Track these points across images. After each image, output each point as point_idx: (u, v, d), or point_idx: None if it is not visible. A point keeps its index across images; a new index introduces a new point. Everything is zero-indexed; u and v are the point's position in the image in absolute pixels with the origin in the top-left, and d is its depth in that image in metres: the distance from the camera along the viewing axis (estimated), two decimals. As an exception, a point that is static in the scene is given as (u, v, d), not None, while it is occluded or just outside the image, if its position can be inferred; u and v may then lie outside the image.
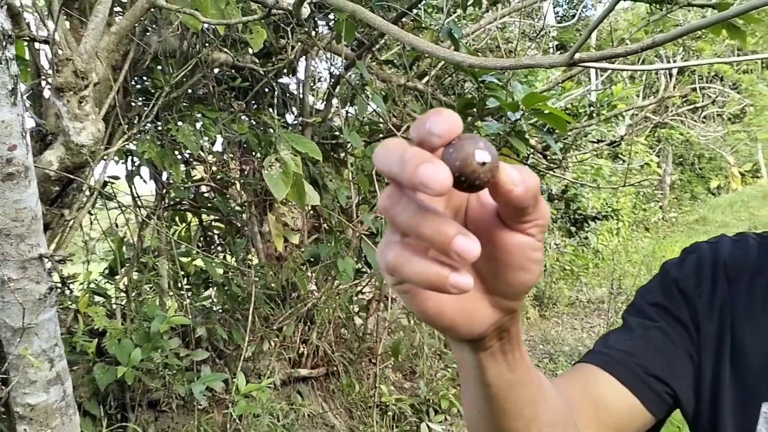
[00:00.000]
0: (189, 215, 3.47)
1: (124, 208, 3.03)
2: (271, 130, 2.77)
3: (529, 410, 0.56)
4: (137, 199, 3.06)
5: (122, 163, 3.12)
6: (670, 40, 1.27)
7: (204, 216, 3.49)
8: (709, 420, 0.79)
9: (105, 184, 2.80)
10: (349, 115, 3.95)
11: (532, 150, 4.24)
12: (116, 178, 2.88)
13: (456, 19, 4.21)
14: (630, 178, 7.39)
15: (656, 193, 13.74)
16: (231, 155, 3.27)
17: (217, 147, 3.41)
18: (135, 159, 3.05)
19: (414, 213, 0.38)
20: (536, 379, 0.57)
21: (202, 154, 3.15)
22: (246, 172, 3.18)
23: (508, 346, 0.50)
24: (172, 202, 3.09)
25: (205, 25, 2.36)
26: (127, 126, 2.45)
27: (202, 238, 3.54)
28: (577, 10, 11.23)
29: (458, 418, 4.43)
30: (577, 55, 1.28)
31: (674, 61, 6.30)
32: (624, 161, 7.43)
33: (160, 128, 2.59)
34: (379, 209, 0.40)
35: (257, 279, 2.81)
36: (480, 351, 0.50)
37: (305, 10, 2.63)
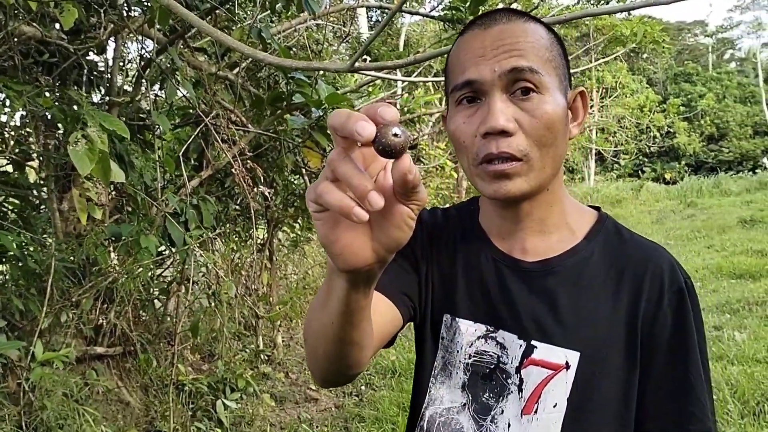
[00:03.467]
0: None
1: None
2: (78, 107, 2.80)
3: (365, 324, 0.86)
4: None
5: None
6: (427, 59, 1.57)
7: (-2, 191, 3.40)
8: (420, 330, 1.17)
9: None
10: (158, 98, 4.01)
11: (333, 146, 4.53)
12: None
13: (270, 16, 4.40)
14: (427, 177, 7.96)
15: (453, 195, 14.75)
16: (32, 130, 3.23)
17: (17, 122, 3.35)
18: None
19: (350, 168, 0.62)
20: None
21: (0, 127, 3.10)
22: (49, 147, 3.16)
23: (370, 283, 0.78)
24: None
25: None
26: None
27: (-6, 214, 3.45)
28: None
29: (254, 397, 4.63)
30: (357, 64, 1.55)
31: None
32: (425, 164, 7.99)
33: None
34: (328, 161, 0.65)
35: (56, 253, 2.83)
36: (350, 280, 0.76)
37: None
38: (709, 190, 22.35)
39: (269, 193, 3.99)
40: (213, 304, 4.57)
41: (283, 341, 5.94)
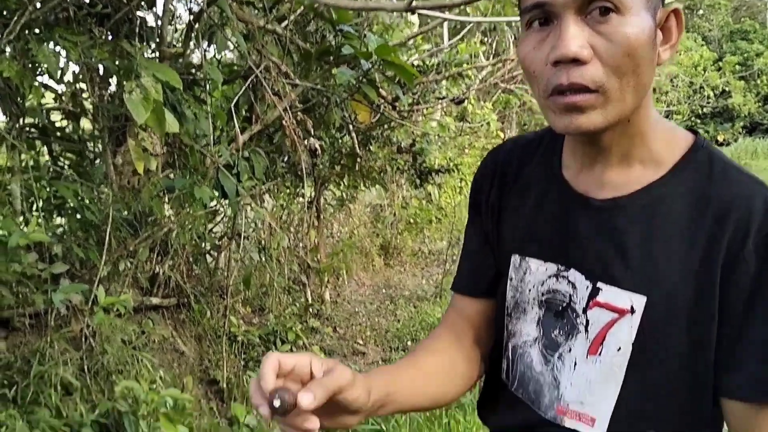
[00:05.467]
0: (38, 144, 3.45)
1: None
2: (130, 59, 2.84)
3: (421, 397, 1.03)
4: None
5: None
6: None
7: (54, 146, 3.48)
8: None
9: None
10: (206, 53, 4.03)
11: (382, 100, 4.52)
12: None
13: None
14: (472, 136, 7.88)
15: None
16: (87, 83, 3.28)
17: (69, 76, 3.41)
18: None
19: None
20: (408, 372, 1.04)
21: (55, 81, 3.15)
22: (104, 99, 3.22)
23: (379, 410, 0.96)
24: (26, 126, 3.09)
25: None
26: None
27: (51, 168, 3.53)
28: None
29: (303, 349, 4.72)
30: (414, 3, 1.53)
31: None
32: (470, 123, 7.90)
33: (19, 48, 2.60)
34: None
35: (116, 202, 2.91)
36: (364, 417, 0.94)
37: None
38: (765, 152, 21.69)
39: (319, 145, 4.01)
40: (263, 258, 4.65)
41: (330, 298, 6.02)
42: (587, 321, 1.01)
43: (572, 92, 0.88)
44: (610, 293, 0.98)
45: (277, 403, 0.79)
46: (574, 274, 1.03)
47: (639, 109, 0.95)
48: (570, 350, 1.03)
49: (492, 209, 1.15)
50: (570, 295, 1.03)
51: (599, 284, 0.99)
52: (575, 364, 1.03)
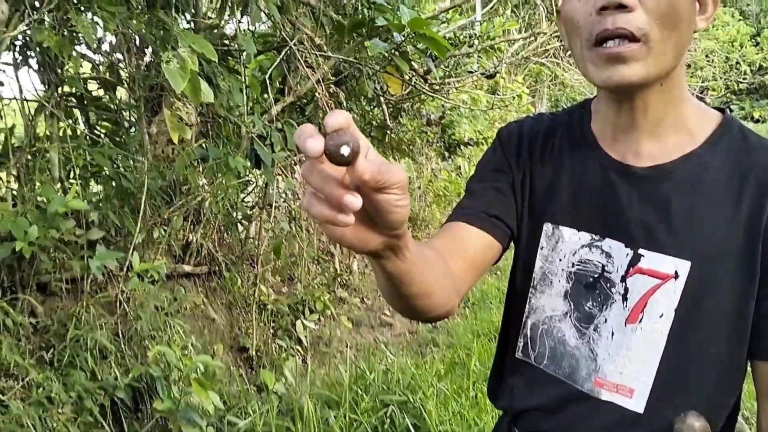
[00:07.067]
0: (76, 112, 3.50)
1: (10, 99, 3.06)
2: (167, 29, 2.86)
3: (420, 277, 0.87)
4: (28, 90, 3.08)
5: (10, 53, 3.12)
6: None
7: (91, 115, 3.53)
8: (517, 240, 1.16)
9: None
10: (240, 24, 4.05)
11: (413, 72, 4.51)
12: (8, 65, 2.90)
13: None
14: (502, 108, 7.83)
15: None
16: (124, 53, 3.32)
17: (106, 46, 3.45)
18: (25, 48, 3.05)
19: (318, 179, 0.65)
20: (421, 255, 0.88)
21: (91, 51, 3.19)
22: (140, 68, 3.25)
23: (397, 251, 0.79)
24: (65, 95, 3.14)
25: None
26: (25, 12, 2.49)
27: (88, 137, 3.59)
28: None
29: (331, 319, 4.78)
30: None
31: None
32: (501, 95, 7.86)
33: (58, 18, 2.63)
34: (301, 174, 0.67)
35: (150, 170, 2.95)
36: (377, 257, 0.79)
37: None
38: (801, 129, 21.28)
39: (352, 117, 4.01)
40: (293, 228, 4.70)
41: (358, 268, 6.06)
42: (626, 289, 1.02)
43: (616, 42, 0.92)
44: (653, 259, 1.00)
45: (345, 150, 0.61)
46: (609, 243, 1.04)
47: (674, 76, 0.98)
48: (606, 321, 1.04)
49: (523, 175, 1.14)
50: (603, 266, 1.05)
51: (641, 251, 1.01)
52: (612, 334, 1.04)
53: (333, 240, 0.76)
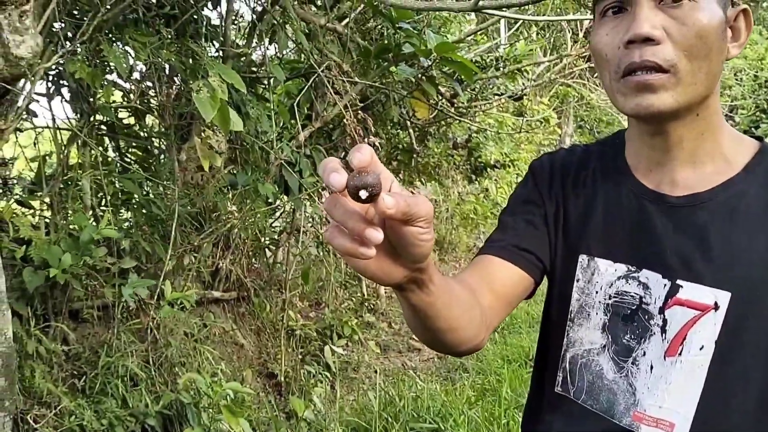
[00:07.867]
0: (106, 140, 3.55)
1: (43, 128, 3.11)
2: (197, 59, 2.90)
3: (446, 311, 0.87)
4: (61, 119, 3.13)
5: (43, 83, 3.18)
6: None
7: (121, 143, 3.58)
8: (551, 272, 1.14)
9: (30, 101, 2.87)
10: (268, 51, 4.09)
11: (440, 97, 4.51)
12: (42, 95, 2.96)
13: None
14: (529, 131, 7.81)
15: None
16: (154, 82, 3.36)
17: (136, 75, 3.50)
18: (57, 79, 3.11)
19: (341, 213, 0.66)
20: (447, 289, 0.88)
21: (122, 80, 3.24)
22: (170, 97, 3.29)
23: (421, 284, 0.80)
24: (96, 123, 3.18)
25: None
26: (59, 44, 2.54)
27: (118, 164, 3.63)
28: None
29: (359, 344, 4.76)
30: (480, 3, 1.52)
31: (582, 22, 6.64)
32: (527, 118, 7.85)
33: (90, 49, 2.68)
34: (324, 208, 0.69)
35: (181, 198, 2.98)
36: (401, 290, 0.80)
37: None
38: (834, 148, 20.90)
39: (378, 142, 4.02)
40: (321, 253, 4.70)
41: (385, 293, 6.04)
42: (664, 321, 0.99)
43: (644, 71, 0.91)
44: (692, 290, 0.97)
45: (363, 194, 0.61)
46: (646, 274, 1.02)
47: (708, 104, 0.97)
48: (644, 353, 1.01)
49: (556, 207, 1.13)
50: (640, 297, 1.02)
51: (679, 281, 0.98)
52: (651, 367, 1.01)
53: (357, 271, 0.77)
